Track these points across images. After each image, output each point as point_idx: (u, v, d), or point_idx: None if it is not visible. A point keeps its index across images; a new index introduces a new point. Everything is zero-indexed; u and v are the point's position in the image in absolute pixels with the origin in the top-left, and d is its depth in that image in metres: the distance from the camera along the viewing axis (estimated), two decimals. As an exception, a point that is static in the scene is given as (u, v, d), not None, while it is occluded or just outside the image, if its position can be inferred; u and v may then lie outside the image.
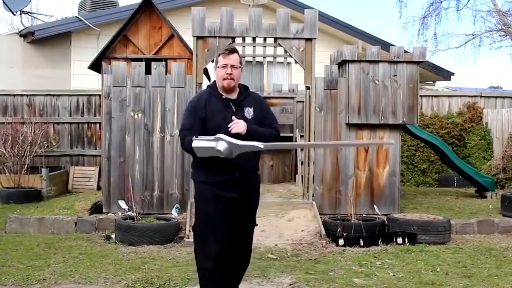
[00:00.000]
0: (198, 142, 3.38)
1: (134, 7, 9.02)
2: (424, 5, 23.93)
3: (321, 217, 6.93)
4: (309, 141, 7.53)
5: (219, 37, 7.38)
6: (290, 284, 4.80)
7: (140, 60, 8.24)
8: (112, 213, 7.34)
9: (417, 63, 7.65)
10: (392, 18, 55.16)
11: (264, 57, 7.75)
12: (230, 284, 3.76)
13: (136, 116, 7.53)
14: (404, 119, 7.57)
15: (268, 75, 12.63)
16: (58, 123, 10.18)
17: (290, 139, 9.89)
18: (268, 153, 9.30)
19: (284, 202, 7.64)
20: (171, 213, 7.11)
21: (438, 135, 10.78)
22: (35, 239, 6.56)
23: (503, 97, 12.15)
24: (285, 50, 7.54)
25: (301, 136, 9.44)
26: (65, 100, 10.25)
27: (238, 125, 3.51)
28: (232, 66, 3.62)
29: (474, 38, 13.70)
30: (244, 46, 7.61)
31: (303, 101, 7.97)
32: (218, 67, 3.65)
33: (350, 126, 7.60)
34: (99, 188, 9.23)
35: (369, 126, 7.61)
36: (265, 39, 7.56)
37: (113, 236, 6.55)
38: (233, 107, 3.63)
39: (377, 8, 46.94)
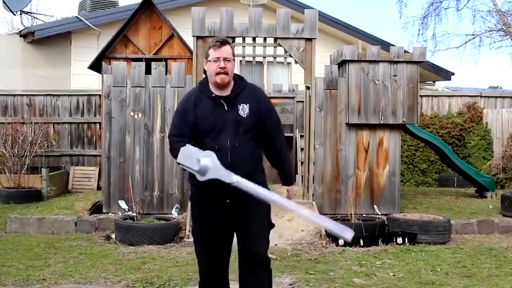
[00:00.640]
0: (186, 150, 3.09)
1: (134, 7, 9.03)
2: (424, 5, 23.93)
3: (321, 217, 6.92)
4: (309, 140, 7.53)
5: (219, 37, 7.37)
6: (290, 284, 4.80)
7: (140, 60, 8.24)
8: (112, 213, 7.34)
9: (417, 63, 7.66)
10: (392, 18, 55.14)
11: (264, 57, 7.75)
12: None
13: (136, 116, 7.53)
14: (404, 119, 7.58)
15: (268, 75, 12.64)
16: (58, 123, 10.18)
17: (290, 139, 9.91)
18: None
19: (284, 202, 7.63)
20: (171, 213, 7.11)
21: (438, 135, 10.78)
22: (35, 239, 6.56)
23: (503, 97, 12.15)
24: (285, 50, 7.54)
25: (301, 136, 9.44)
26: (65, 100, 10.25)
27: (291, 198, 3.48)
28: (225, 59, 3.24)
29: (474, 38, 13.70)
30: (244, 46, 7.62)
31: (303, 101, 7.98)
32: (210, 61, 3.28)
33: (350, 126, 7.60)
34: (99, 188, 9.23)
35: (369, 126, 7.61)
36: (265, 39, 7.56)
37: (113, 236, 6.55)
38: (225, 106, 3.24)
39: (377, 8, 46.96)
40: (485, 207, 8.29)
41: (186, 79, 7.53)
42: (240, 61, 7.69)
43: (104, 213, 7.39)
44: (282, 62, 8.11)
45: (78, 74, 11.39)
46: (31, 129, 9.31)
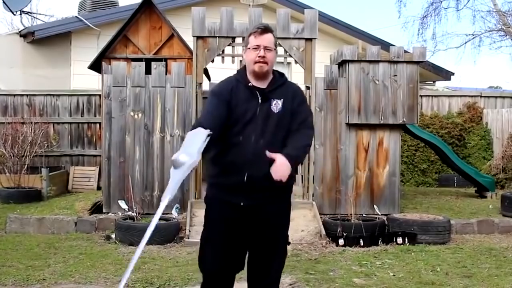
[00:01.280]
0: (196, 132, 2.77)
1: (134, 7, 9.02)
2: (424, 5, 23.94)
3: (321, 217, 6.93)
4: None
5: (219, 37, 7.38)
6: (290, 284, 4.80)
7: (140, 60, 8.24)
8: (112, 213, 7.34)
9: (417, 63, 7.66)
10: (392, 18, 55.17)
11: (264, 57, 7.74)
12: None
13: (136, 116, 7.53)
14: (404, 119, 7.58)
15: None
16: (58, 123, 10.17)
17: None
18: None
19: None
20: (171, 213, 7.10)
21: (438, 135, 10.78)
22: (35, 239, 6.56)
23: (503, 97, 12.15)
24: (285, 50, 7.55)
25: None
26: (65, 100, 10.25)
27: (278, 170, 2.87)
28: (266, 48, 3.03)
29: (474, 38, 13.71)
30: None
31: (303, 101, 7.96)
32: (249, 48, 3.06)
33: (350, 126, 7.60)
34: (99, 188, 9.23)
35: (369, 126, 7.61)
36: (265, 39, 7.55)
37: (113, 236, 6.56)
38: (260, 98, 3.03)
39: (377, 8, 46.96)
40: (485, 207, 8.29)
41: (186, 79, 7.53)
42: (241, 61, 7.70)
43: (104, 213, 7.39)
44: (282, 62, 8.09)
45: (78, 74, 11.38)
46: (31, 129, 9.30)
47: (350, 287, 4.80)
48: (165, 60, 8.31)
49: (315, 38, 7.52)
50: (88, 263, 5.48)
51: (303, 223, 6.85)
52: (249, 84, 3.06)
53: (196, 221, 6.65)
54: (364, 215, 7.16)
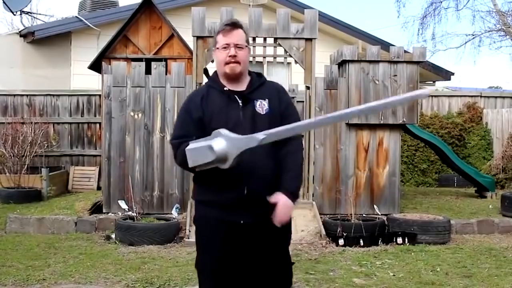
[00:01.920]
0: (192, 145, 2.58)
1: (134, 7, 9.03)
2: (424, 5, 23.94)
3: (321, 217, 6.93)
4: (309, 140, 7.53)
5: (219, 37, 7.37)
6: (290, 284, 4.80)
7: (140, 60, 8.24)
8: (112, 213, 7.34)
9: (417, 63, 7.66)
10: (392, 18, 55.16)
11: (264, 57, 7.75)
12: None
13: (136, 116, 7.53)
14: (404, 119, 7.58)
15: (268, 75, 12.61)
16: (58, 123, 10.18)
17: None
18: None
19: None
20: (171, 213, 7.11)
21: (438, 135, 10.78)
22: (35, 239, 6.56)
23: (503, 97, 12.15)
24: (285, 50, 7.55)
25: (302, 136, 9.45)
26: (65, 100, 10.25)
27: (282, 215, 2.63)
28: (237, 46, 2.71)
29: (474, 38, 13.71)
30: (244, 46, 7.60)
31: (303, 101, 7.98)
32: (218, 48, 2.74)
33: (350, 126, 7.60)
34: (99, 188, 9.23)
35: (369, 126, 7.61)
36: (265, 39, 7.56)
37: (113, 236, 6.55)
38: (240, 102, 2.71)
39: (377, 8, 46.96)
40: (485, 207, 8.29)
41: (186, 79, 7.53)
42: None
43: (104, 213, 7.39)
44: (282, 62, 8.10)
45: (78, 74, 11.38)
46: (31, 129, 9.30)
47: (350, 287, 4.80)
48: (165, 60, 8.31)
49: (315, 38, 7.52)
50: (88, 263, 5.48)
51: (303, 223, 6.85)
52: (224, 88, 2.74)
53: (196, 221, 6.64)
54: (364, 215, 7.15)
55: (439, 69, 14.78)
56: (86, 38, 11.71)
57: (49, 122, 10.02)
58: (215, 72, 2.85)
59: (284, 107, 2.79)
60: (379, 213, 7.03)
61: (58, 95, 10.27)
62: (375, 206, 7.22)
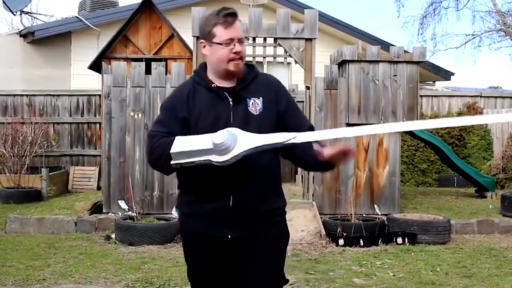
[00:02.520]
0: (185, 137, 2.25)
1: (134, 7, 9.03)
2: (424, 5, 23.94)
3: (321, 217, 6.93)
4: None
5: (219, 37, 7.36)
6: (290, 284, 4.80)
7: (140, 60, 8.25)
8: (112, 213, 7.34)
9: (417, 63, 7.66)
10: (392, 18, 55.17)
11: (264, 57, 7.75)
12: None
13: (136, 116, 7.53)
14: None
15: (268, 75, 12.61)
16: (58, 123, 10.18)
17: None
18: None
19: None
20: (171, 213, 7.10)
21: (438, 135, 10.78)
22: (35, 239, 6.56)
23: (503, 97, 12.15)
24: (285, 50, 7.54)
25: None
26: (65, 100, 10.25)
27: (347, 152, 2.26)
28: (239, 40, 2.37)
29: (474, 38, 13.71)
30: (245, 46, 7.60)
31: (303, 101, 7.98)
32: (218, 43, 2.35)
33: (350, 126, 7.60)
34: (99, 188, 9.23)
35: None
36: (265, 39, 7.56)
37: (113, 236, 6.55)
38: (230, 100, 2.36)
39: (377, 8, 46.97)
40: (485, 207, 8.29)
41: (186, 79, 7.49)
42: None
43: (104, 213, 7.39)
44: (282, 62, 8.11)
45: (78, 74, 11.38)
46: (31, 129, 9.30)
47: (350, 287, 4.80)
48: (165, 60, 8.31)
49: (315, 38, 7.52)
50: (88, 263, 5.47)
51: (303, 223, 6.85)
52: (212, 85, 2.39)
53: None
54: (364, 215, 7.15)
55: (439, 69, 14.77)
56: (86, 38, 11.71)
57: (49, 122, 10.02)
58: (202, 66, 2.49)
59: (284, 108, 2.42)
60: (379, 213, 7.02)
61: (58, 95, 10.27)
62: (375, 206, 7.22)
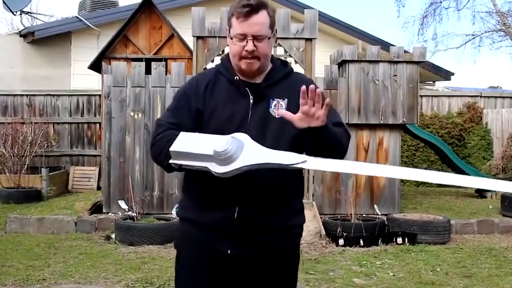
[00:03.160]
0: (190, 134, 2.01)
1: (134, 7, 9.03)
2: (423, 5, 23.96)
3: (321, 217, 6.93)
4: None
5: (219, 37, 7.37)
6: (290, 284, 4.80)
7: (140, 60, 8.24)
8: (112, 213, 7.34)
9: (417, 63, 7.66)
10: (392, 18, 55.19)
11: (264, 57, 7.74)
12: None
13: (136, 116, 7.53)
14: (404, 119, 7.58)
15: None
16: (58, 123, 10.18)
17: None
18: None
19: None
20: (171, 213, 7.10)
21: (438, 135, 10.79)
22: (35, 239, 6.56)
23: (503, 97, 12.16)
24: (285, 50, 7.54)
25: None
26: (65, 100, 10.25)
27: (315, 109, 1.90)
28: (256, 38, 2.04)
29: (474, 38, 13.72)
30: (244, 46, 7.61)
31: (303, 101, 7.96)
32: (231, 38, 2.09)
33: (350, 126, 7.58)
34: (99, 188, 9.23)
35: (369, 126, 7.61)
36: (265, 39, 7.55)
37: (113, 236, 6.55)
38: (251, 97, 2.09)
39: (377, 8, 46.97)
40: (485, 207, 8.29)
41: (186, 79, 7.52)
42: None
43: (104, 213, 7.39)
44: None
45: (78, 74, 11.38)
46: (31, 129, 9.30)
47: (350, 287, 4.80)
48: (165, 60, 8.31)
49: (315, 38, 7.52)
50: (88, 263, 5.47)
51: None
52: (235, 77, 2.13)
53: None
54: (364, 215, 7.15)
55: (439, 69, 14.77)
56: (86, 38, 11.70)
57: (49, 122, 10.02)
58: (228, 54, 2.20)
59: None
60: (379, 213, 7.02)
61: (58, 95, 10.27)
62: (375, 206, 7.22)
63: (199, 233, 2.13)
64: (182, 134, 2.01)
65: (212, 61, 7.53)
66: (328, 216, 7.11)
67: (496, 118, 11.34)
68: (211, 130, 2.05)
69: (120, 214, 7.13)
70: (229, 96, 2.11)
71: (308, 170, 7.47)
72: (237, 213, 2.04)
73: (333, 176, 7.58)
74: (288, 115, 1.94)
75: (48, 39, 11.63)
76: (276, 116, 2.07)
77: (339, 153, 2.06)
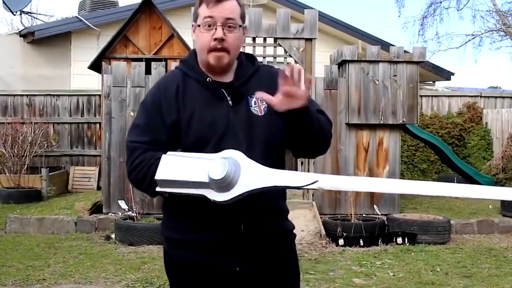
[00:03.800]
0: (173, 153, 1.78)
1: (134, 7, 9.02)
2: (423, 5, 23.97)
3: (321, 217, 6.93)
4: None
5: (219, 37, 7.37)
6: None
7: (140, 60, 8.24)
8: (112, 213, 7.34)
9: (417, 63, 7.66)
10: (392, 18, 55.19)
11: (264, 57, 7.75)
12: None
13: (136, 116, 7.52)
14: (404, 119, 7.58)
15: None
16: (58, 123, 10.18)
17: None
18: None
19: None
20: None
21: (438, 135, 10.79)
22: (35, 239, 6.56)
23: (503, 97, 12.16)
24: (285, 50, 7.55)
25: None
26: (65, 100, 10.26)
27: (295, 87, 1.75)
28: (226, 25, 1.86)
29: (474, 38, 13.72)
30: (244, 46, 7.61)
31: (303, 101, 7.96)
32: (199, 25, 1.88)
33: (350, 126, 7.60)
34: (99, 188, 9.23)
35: (369, 126, 7.61)
36: (265, 39, 7.56)
37: (113, 236, 6.56)
38: (229, 98, 1.91)
39: (377, 8, 46.98)
40: (485, 207, 8.29)
41: (186, 79, 7.52)
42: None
43: (104, 213, 7.39)
44: (282, 62, 8.10)
45: (78, 74, 11.38)
46: (31, 129, 9.30)
47: (350, 287, 4.80)
48: (165, 60, 8.30)
49: (315, 38, 7.52)
50: (88, 263, 5.48)
51: (303, 223, 6.85)
52: (207, 79, 1.91)
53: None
54: (364, 215, 7.15)
55: (439, 69, 14.77)
56: (86, 38, 11.70)
57: (49, 122, 10.02)
58: (192, 53, 2.00)
59: None
60: (379, 213, 7.03)
61: (58, 95, 10.28)
62: (375, 206, 7.22)
63: (200, 255, 1.90)
64: (165, 158, 1.76)
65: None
66: (328, 216, 7.11)
67: (496, 118, 11.34)
68: (191, 142, 1.85)
69: (120, 214, 7.13)
70: (204, 100, 1.90)
71: (309, 170, 7.48)
72: (243, 224, 1.88)
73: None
74: (267, 97, 1.76)
75: (48, 39, 11.63)
76: (260, 114, 1.92)
77: (324, 139, 1.92)
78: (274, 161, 1.87)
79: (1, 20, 42.05)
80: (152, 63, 7.64)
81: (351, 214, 6.83)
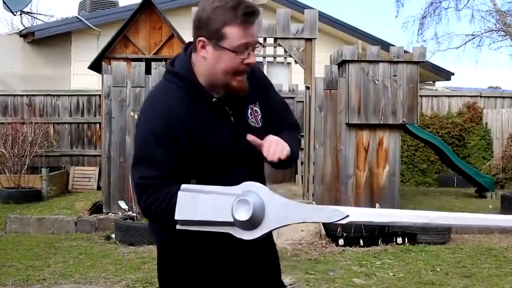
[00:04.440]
0: (191, 196, 1.68)
1: (134, 7, 9.03)
2: (423, 5, 23.98)
3: (321, 217, 6.92)
4: (309, 140, 7.52)
5: (219, 37, 7.37)
6: (290, 284, 4.80)
7: (140, 60, 8.24)
8: (112, 213, 7.34)
9: (417, 63, 7.65)
10: (392, 18, 55.19)
11: (264, 57, 7.75)
12: None
13: (136, 116, 7.51)
14: (404, 119, 7.57)
15: (268, 75, 12.57)
16: (58, 123, 10.18)
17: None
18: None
19: (284, 202, 7.62)
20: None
21: (438, 135, 10.79)
22: (35, 239, 6.56)
23: (503, 97, 12.16)
24: (285, 50, 7.54)
25: (301, 136, 9.45)
26: (65, 100, 10.26)
27: (276, 149, 1.78)
28: (254, 48, 1.84)
29: (474, 38, 13.72)
30: (244, 46, 7.61)
31: (303, 101, 7.98)
32: (228, 49, 1.77)
33: (350, 126, 7.60)
34: (99, 188, 9.23)
35: (369, 126, 7.61)
36: (265, 39, 7.55)
37: (113, 236, 6.56)
38: (231, 114, 1.85)
39: (377, 8, 46.99)
40: (485, 207, 8.29)
41: (186, 79, 7.52)
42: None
43: (104, 213, 7.39)
44: (282, 62, 8.11)
45: (78, 74, 11.39)
46: (31, 129, 9.30)
47: (350, 287, 4.80)
48: (165, 60, 8.30)
49: (315, 38, 7.52)
50: (88, 263, 5.47)
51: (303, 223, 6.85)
52: (213, 99, 1.82)
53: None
54: (364, 215, 7.14)
55: (439, 69, 14.78)
56: (86, 38, 11.71)
57: (49, 122, 10.02)
58: (186, 67, 1.83)
59: (265, 96, 1.96)
60: (379, 213, 7.01)
61: (58, 95, 10.28)
62: (376, 206, 7.22)
63: (204, 261, 1.90)
64: (182, 195, 1.68)
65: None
66: (328, 216, 7.09)
67: (496, 118, 11.34)
68: (202, 168, 1.78)
69: (120, 214, 7.12)
70: (211, 124, 1.80)
71: (309, 170, 7.48)
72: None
73: (333, 176, 7.58)
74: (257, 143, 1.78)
75: (48, 39, 11.63)
76: (257, 126, 1.87)
77: (295, 160, 2.01)
78: (262, 168, 1.93)
79: (1, 20, 42.09)
80: (152, 63, 7.64)
81: (351, 214, 6.81)
